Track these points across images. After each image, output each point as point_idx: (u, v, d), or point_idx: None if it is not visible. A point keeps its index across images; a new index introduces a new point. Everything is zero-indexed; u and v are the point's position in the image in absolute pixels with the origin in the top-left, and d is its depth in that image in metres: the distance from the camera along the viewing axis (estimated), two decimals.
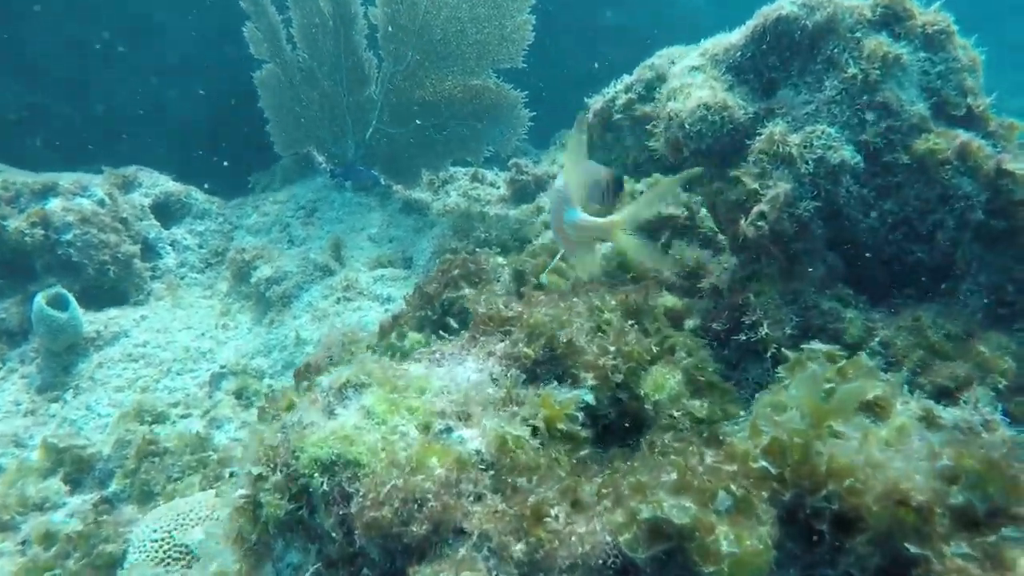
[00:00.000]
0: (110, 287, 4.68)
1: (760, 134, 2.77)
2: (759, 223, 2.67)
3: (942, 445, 1.21)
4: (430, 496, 1.37)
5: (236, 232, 5.40)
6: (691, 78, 2.90)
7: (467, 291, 3.25)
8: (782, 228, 2.66)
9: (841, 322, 2.65)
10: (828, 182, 2.70)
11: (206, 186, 6.09)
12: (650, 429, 1.90)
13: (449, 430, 1.56)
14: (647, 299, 2.16)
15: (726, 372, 2.70)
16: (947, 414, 1.67)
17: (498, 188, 5.80)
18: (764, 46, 2.91)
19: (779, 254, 2.75)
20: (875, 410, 1.63)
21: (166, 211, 5.40)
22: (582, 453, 1.71)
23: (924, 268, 2.84)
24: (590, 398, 1.68)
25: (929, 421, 1.66)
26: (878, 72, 2.74)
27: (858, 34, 2.83)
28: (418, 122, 5.70)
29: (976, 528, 1.16)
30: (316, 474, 1.41)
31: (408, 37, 5.43)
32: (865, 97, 2.74)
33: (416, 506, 1.35)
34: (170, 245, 5.23)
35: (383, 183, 5.90)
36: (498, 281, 3.56)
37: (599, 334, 2.04)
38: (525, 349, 1.95)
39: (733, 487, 1.20)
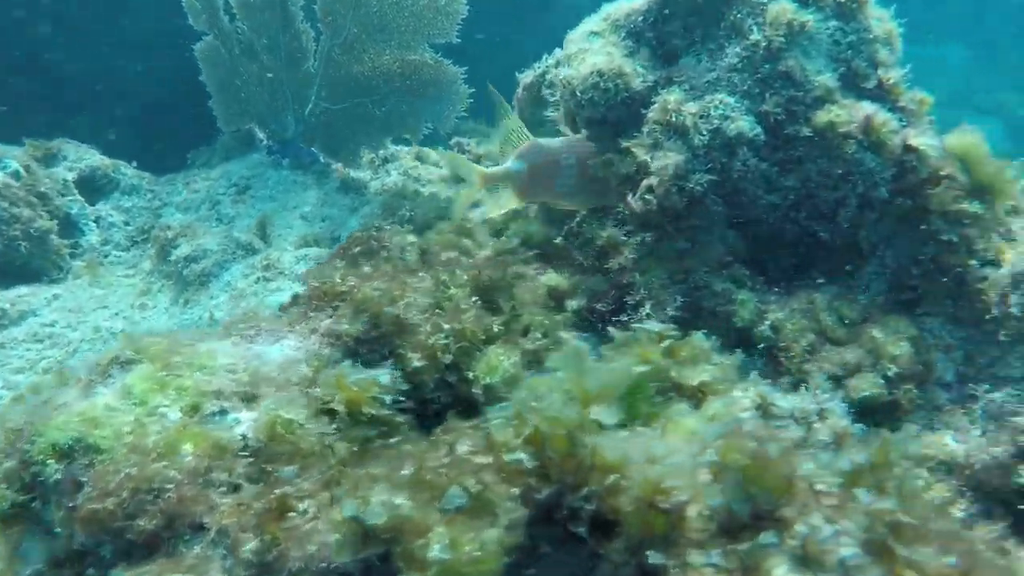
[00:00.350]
0: (22, 264, 4.51)
1: (656, 103, 2.61)
2: (647, 197, 2.51)
3: (715, 437, 1.05)
4: (170, 486, 1.22)
5: (165, 209, 5.24)
6: (588, 43, 2.74)
7: (367, 270, 3.10)
8: (671, 203, 2.50)
9: (732, 304, 2.50)
10: (724, 155, 2.54)
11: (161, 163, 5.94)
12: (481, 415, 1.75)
13: (224, 412, 1.42)
14: (505, 275, 2.00)
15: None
16: (784, 402, 1.52)
17: (441, 168, 5.62)
18: (667, 11, 2.75)
19: (672, 231, 2.60)
20: (699, 396, 1.48)
21: (92, 186, 5.22)
22: (392, 441, 1.56)
23: (828, 248, 2.69)
24: (386, 379, 1.53)
25: (764, 409, 1.52)
26: (782, 40, 2.58)
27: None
28: (357, 99, 5.52)
29: (744, 531, 1.01)
30: (51, 461, 1.27)
31: (345, 8, 5.24)
32: (767, 66, 2.58)
33: (149, 497, 1.20)
34: (94, 221, 5.06)
35: (322, 161, 5.73)
36: (403, 260, 3.41)
37: (437, 311, 1.89)
38: (346, 326, 1.80)
39: (471, 482, 1.05)
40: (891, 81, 2.70)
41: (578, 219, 3.04)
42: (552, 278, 2.55)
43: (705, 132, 2.51)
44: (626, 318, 2.43)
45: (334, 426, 1.50)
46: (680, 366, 1.51)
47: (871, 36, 2.74)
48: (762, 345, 2.40)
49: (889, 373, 2.30)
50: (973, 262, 2.60)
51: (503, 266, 2.04)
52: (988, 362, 2.57)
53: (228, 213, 5.13)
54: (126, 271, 4.85)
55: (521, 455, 1.10)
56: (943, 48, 14.36)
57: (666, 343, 1.54)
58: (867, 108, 2.56)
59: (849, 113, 2.54)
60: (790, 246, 2.72)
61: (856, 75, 2.71)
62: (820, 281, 2.67)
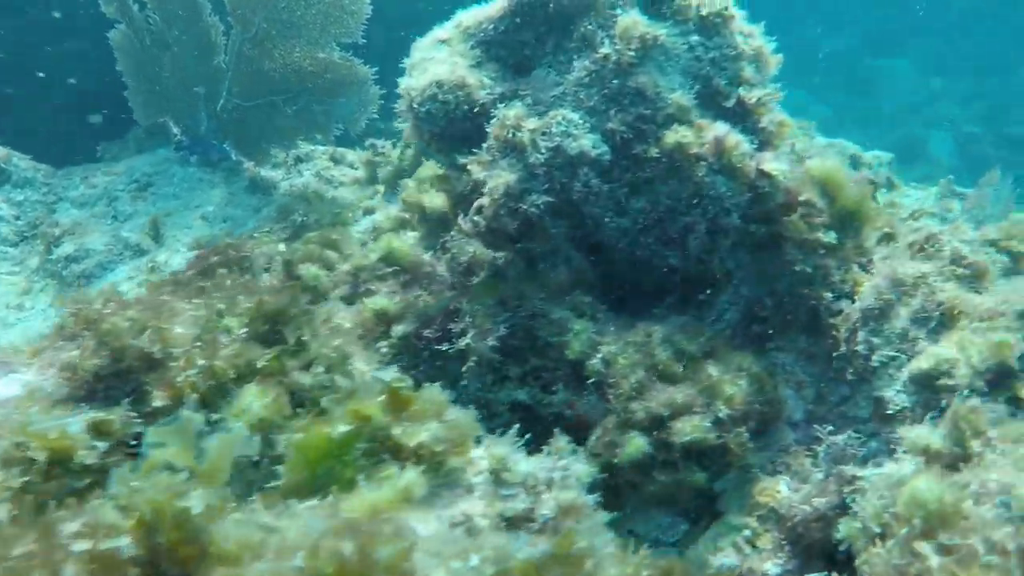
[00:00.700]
0: None
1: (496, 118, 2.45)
2: (476, 219, 2.36)
3: (317, 535, 0.89)
4: None
5: (60, 204, 5.03)
6: (435, 52, 2.58)
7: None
8: (500, 225, 2.35)
9: (566, 335, 2.35)
10: (565, 174, 2.39)
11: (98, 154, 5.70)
12: None
13: None
14: (293, 303, 1.84)
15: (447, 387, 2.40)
16: (524, 466, 1.37)
17: (356, 169, 5.45)
18: (519, 19, 2.59)
19: (512, 255, 2.45)
20: (424, 457, 1.33)
21: None
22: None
23: (682, 275, 2.55)
24: (78, 428, 1.37)
25: (497, 475, 1.37)
26: (633, 54, 2.43)
27: (618, 11, 2.52)
28: (269, 96, 5.34)
29: None
30: None
31: (253, 3, 5.06)
32: (616, 81, 2.43)
33: None
34: None
35: (234, 159, 5.54)
36: (267, 270, 3.24)
37: (198, 344, 1.72)
38: (86, 360, 1.63)
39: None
40: (752, 101, 2.56)
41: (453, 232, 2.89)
42: (379, 302, 2.39)
43: (544, 150, 2.36)
44: (446, 348, 2.28)
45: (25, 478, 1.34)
46: (403, 424, 1.36)
47: (735, 53, 2.60)
48: (592, 380, 2.25)
49: (721, 414, 2.16)
50: (828, 295, 2.48)
51: (290, 292, 1.87)
52: (838, 400, 2.45)
53: (126, 210, 4.93)
54: (11, 267, 4.64)
55: (122, 541, 0.95)
56: (895, 61, 14.36)
57: (386, 397, 1.38)
58: (719, 129, 2.42)
59: (698, 134, 2.39)
60: (642, 272, 2.58)
61: (717, 93, 2.57)
62: (667, 310, 2.54)
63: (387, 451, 1.33)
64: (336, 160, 5.57)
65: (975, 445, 1.76)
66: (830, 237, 2.44)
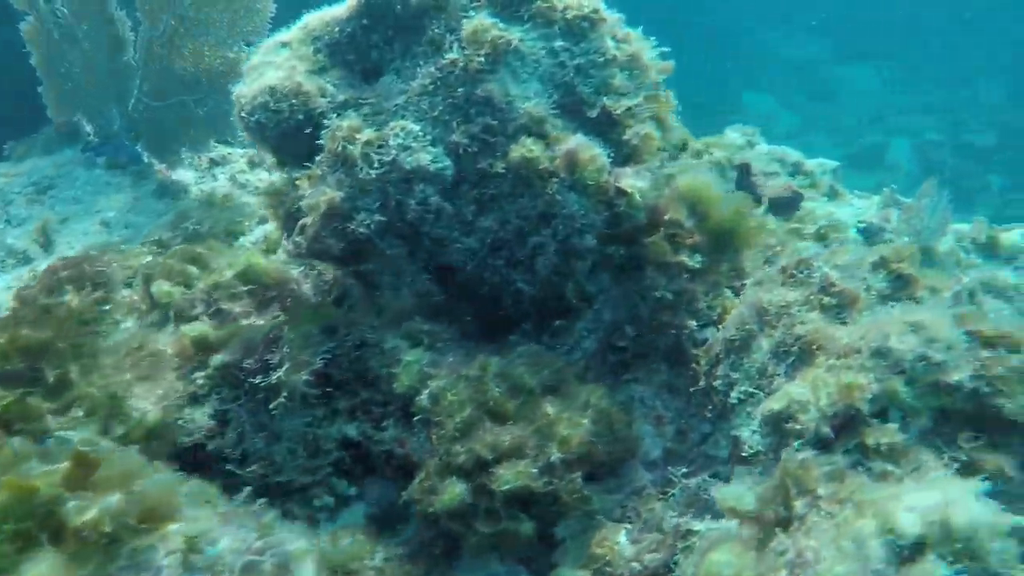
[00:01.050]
0: None
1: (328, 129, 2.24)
2: (297, 239, 2.15)
3: None
4: None
5: None
6: (274, 56, 2.37)
7: (70, 298, 2.70)
8: (324, 247, 2.14)
9: (397, 366, 2.14)
10: (400, 191, 2.19)
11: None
12: None
13: None
14: (61, 334, 1.63)
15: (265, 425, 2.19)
16: (225, 542, 1.16)
17: (271, 174, 5.22)
18: (367, 20, 2.38)
19: (345, 278, 2.24)
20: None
21: None
22: None
23: (531, 301, 2.35)
24: None
25: (185, 557, 1.16)
26: (482, 60, 2.22)
27: (472, 13, 2.31)
28: (179, 96, 5.10)
29: None
30: None
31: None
32: (463, 89, 2.23)
33: None
34: None
35: (145, 161, 5.29)
36: (129, 285, 3.01)
37: None
38: None
39: None
40: (619, 111, 2.36)
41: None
42: (197, 327, 2.18)
43: (378, 164, 2.15)
44: (258, 380, 2.07)
45: None
46: (80, 496, 1.16)
47: (604, 59, 2.40)
48: (418, 417, 2.05)
49: (552, 458, 1.96)
50: (692, 323, 2.28)
51: (56, 323, 1.66)
52: (700, 439, 2.25)
53: (20, 214, 4.69)
54: None
55: None
56: (860, 68, 14.28)
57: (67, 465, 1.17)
58: (571, 142, 2.22)
59: (547, 148, 2.19)
60: (494, 296, 2.38)
61: (582, 103, 2.37)
62: (522, 338, 2.34)
63: (48, 530, 1.12)
64: (254, 164, 5.34)
65: (799, 505, 1.57)
66: (695, 260, 2.25)
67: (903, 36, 14.83)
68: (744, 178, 4.38)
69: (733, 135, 6.94)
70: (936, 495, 1.39)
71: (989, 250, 5.82)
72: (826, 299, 2.08)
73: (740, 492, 1.52)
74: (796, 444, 1.80)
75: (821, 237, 4.48)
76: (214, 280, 2.79)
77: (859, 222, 5.97)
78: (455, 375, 2.08)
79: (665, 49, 2.89)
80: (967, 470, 2.16)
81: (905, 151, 12.13)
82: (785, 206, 4.34)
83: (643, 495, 2.14)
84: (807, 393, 1.85)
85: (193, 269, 3.00)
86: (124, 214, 4.64)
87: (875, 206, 6.51)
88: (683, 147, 4.79)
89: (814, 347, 1.96)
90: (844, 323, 2.07)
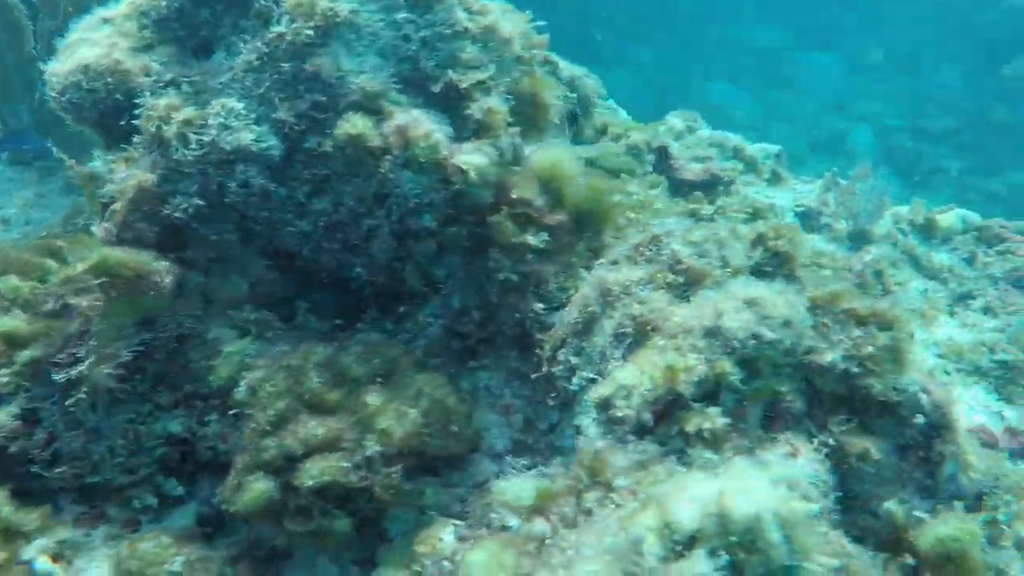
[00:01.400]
0: None
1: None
2: (107, 225, 2.02)
3: None
4: None
5: None
6: (94, 32, 2.23)
7: None
8: (136, 233, 2.01)
9: (216, 358, 2.01)
10: (221, 173, 2.05)
11: None
12: None
13: None
14: None
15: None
16: None
17: None
18: None
19: (179, 267, 2.11)
20: None
21: None
22: None
23: (372, 286, 2.22)
24: None
25: None
26: (311, 32, 2.08)
27: None
28: None
29: None
30: None
31: None
32: (289, 64, 2.09)
33: None
34: None
35: (55, 155, 5.12)
36: None
37: None
38: None
39: None
40: (465, 85, 2.23)
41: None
42: (7, 323, 2.04)
43: (196, 145, 2.01)
44: (62, 375, 1.94)
45: None
46: None
47: (454, 31, 2.27)
48: (233, 411, 1.92)
49: (372, 451, 1.83)
50: (539, 306, 2.16)
51: None
52: (548, 428, 2.14)
53: None
54: None
55: None
56: (821, 56, 14.20)
57: None
58: (403, 118, 2.09)
59: (377, 124, 2.06)
60: (335, 282, 2.25)
61: (426, 77, 2.23)
62: (368, 326, 2.21)
63: None
64: None
65: (591, 499, 1.45)
66: (540, 240, 2.12)
67: (862, 22, 14.77)
68: (662, 161, 4.27)
69: (674, 120, 6.83)
70: (719, 485, 1.27)
71: (926, 232, 5.74)
72: (671, 277, 1.96)
73: (520, 487, 1.40)
74: (618, 432, 1.68)
75: (748, 222, 4.37)
76: (65, 274, 2.65)
77: (797, 206, 5.88)
78: (277, 365, 1.95)
79: (541, 23, 2.77)
80: (836, 454, 2.06)
81: (866, 137, 12.06)
82: (701, 189, 4.22)
83: (484, 489, 2.02)
84: (634, 377, 1.73)
85: (51, 263, 2.86)
86: (26, 210, 4.47)
87: (817, 190, 6.42)
88: (603, 131, 4.68)
89: (649, 328, 1.84)
90: (689, 302, 1.96)
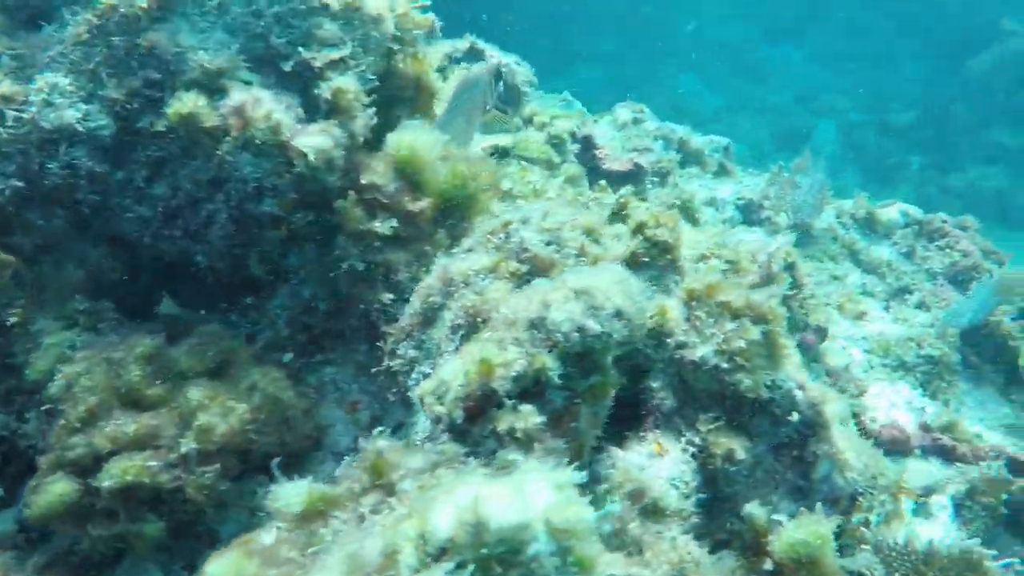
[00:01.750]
0: None
1: None
2: None
3: None
4: None
5: None
6: None
7: None
8: None
9: (37, 351, 1.90)
10: (43, 154, 1.93)
11: None
12: None
13: None
14: None
15: None
16: None
17: None
18: None
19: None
20: None
21: None
22: None
23: (215, 275, 2.11)
24: None
25: None
26: (146, 4, 1.97)
27: None
28: None
29: None
30: None
31: None
32: (122, 39, 1.97)
33: None
34: None
35: None
36: None
37: None
38: None
39: None
40: (318, 64, 2.12)
41: None
42: None
43: (15, 123, 1.90)
44: None
45: None
46: None
47: (309, 7, 2.16)
48: (44, 408, 1.81)
49: (189, 446, 1.72)
50: (388, 297, 2.06)
51: None
52: (395, 426, 2.04)
53: None
54: None
55: None
56: (786, 48, 14.15)
57: None
58: (245, 97, 1.98)
59: (213, 103, 1.95)
60: (181, 271, 2.14)
61: (278, 55, 2.12)
62: (218, 316, 2.10)
63: None
64: None
65: (367, 503, 1.35)
66: (387, 227, 2.02)
67: (827, 15, 14.73)
68: (586, 151, 4.17)
69: (621, 111, 6.75)
70: (476, 489, 1.17)
71: (868, 226, 5.68)
72: (515, 266, 1.86)
73: (294, 491, 1.29)
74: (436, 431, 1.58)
75: (671, 208, 4.28)
76: None
77: (738, 199, 5.80)
78: (98, 358, 1.84)
79: (425, 3, 2.67)
80: (702, 454, 1.97)
81: (830, 131, 12.01)
82: (623, 180, 4.13)
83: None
84: (452, 373, 1.63)
85: None
86: None
87: (762, 184, 6.35)
88: (530, 120, 4.58)
89: (479, 320, 1.74)
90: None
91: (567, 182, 3.63)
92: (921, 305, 4.89)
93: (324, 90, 2.10)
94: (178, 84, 1.99)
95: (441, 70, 4.61)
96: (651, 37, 13.40)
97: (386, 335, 1.98)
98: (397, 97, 2.65)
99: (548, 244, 1.92)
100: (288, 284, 2.11)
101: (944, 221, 5.64)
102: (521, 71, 4.76)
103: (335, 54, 2.16)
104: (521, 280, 1.87)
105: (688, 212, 4.36)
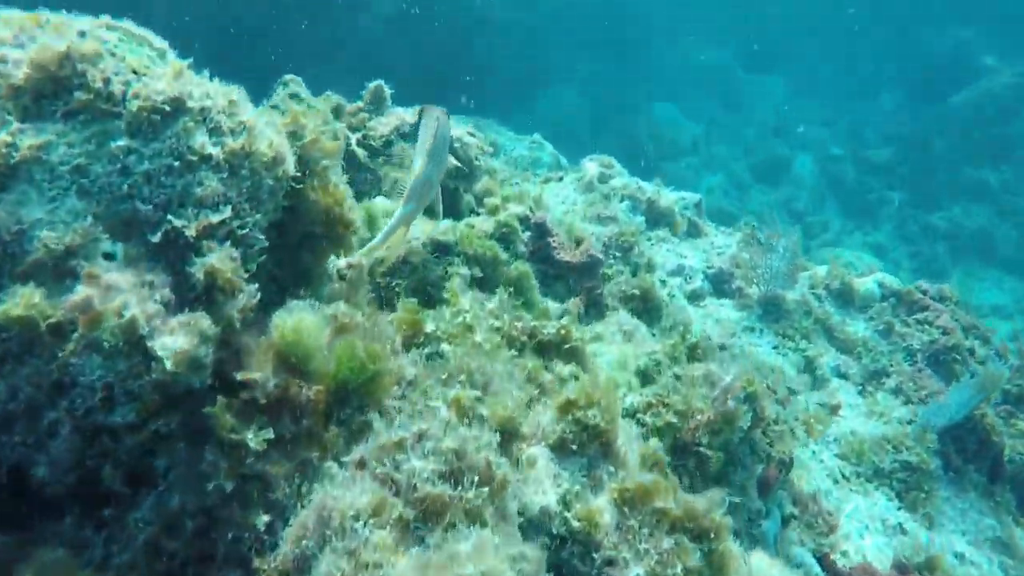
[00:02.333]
0: None
1: None
2: None
3: None
4: None
5: None
6: None
7: None
8: None
9: None
10: None
11: None
12: None
13: None
14: None
15: None
16: None
17: None
18: None
19: None
20: None
21: None
22: None
23: (65, 487, 1.79)
24: None
25: None
26: None
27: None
28: None
29: None
30: None
31: None
32: None
33: None
34: None
35: None
36: None
37: None
38: None
39: None
40: (192, 232, 1.82)
41: None
42: None
43: None
44: None
45: None
46: None
47: (186, 161, 1.88)
48: None
49: None
50: (264, 519, 1.76)
51: None
52: None
53: None
54: None
55: None
56: (766, 78, 13.92)
57: None
58: (93, 290, 1.67)
59: (51, 298, 1.64)
60: (25, 479, 1.82)
61: (145, 222, 1.82)
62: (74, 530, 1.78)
63: None
64: None
65: None
66: (259, 439, 1.72)
67: (805, 45, 14.52)
68: (540, 238, 3.87)
69: (590, 166, 6.47)
70: None
71: (843, 297, 5.43)
72: (401, 511, 1.57)
73: None
74: None
75: (630, 299, 4.01)
76: None
77: (707, 267, 5.54)
78: None
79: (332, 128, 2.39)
80: None
81: (808, 165, 11.78)
82: (583, 273, 3.84)
83: None
84: None
85: None
86: None
87: (734, 245, 6.10)
88: (482, 198, 4.28)
89: None
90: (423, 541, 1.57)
91: (511, 286, 3.34)
92: (898, 391, 4.63)
93: (197, 268, 1.79)
94: (19, 269, 1.68)
95: (388, 144, 4.32)
96: (628, 60, 13.13)
97: (258, 573, 1.68)
98: (308, 233, 2.37)
99: (444, 475, 1.63)
100: (155, 491, 1.79)
101: (924, 292, 5.39)
102: (473, 142, 4.46)
103: (213, 218, 1.85)
104: (408, 531, 1.58)
105: (647, 300, 4.07)
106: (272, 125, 2.12)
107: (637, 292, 4.05)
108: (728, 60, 14.40)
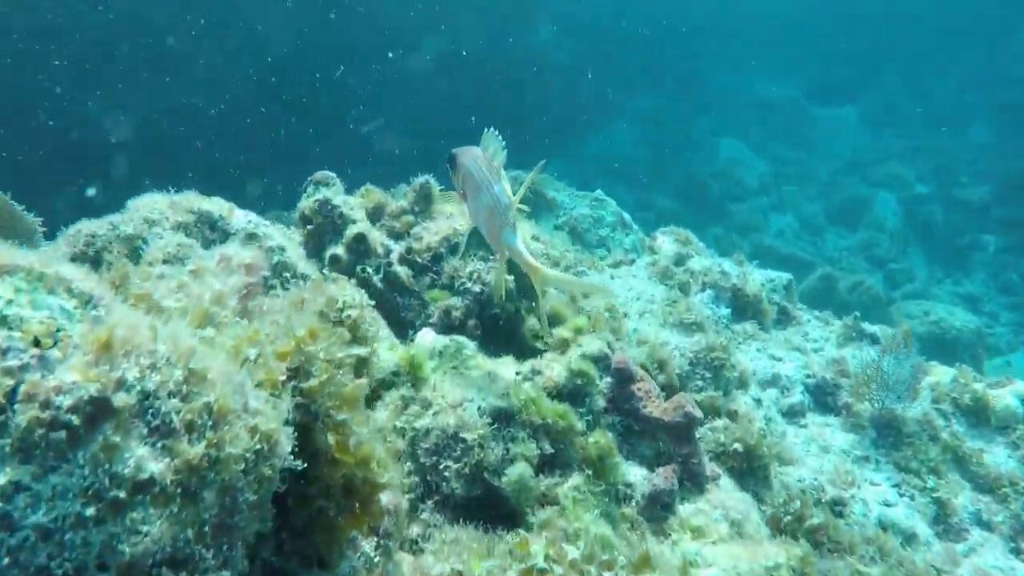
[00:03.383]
0: None
1: None
2: None
3: None
4: None
5: None
6: None
7: None
8: None
9: None
10: None
11: None
12: None
13: None
14: None
15: None
16: None
17: None
18: None
19: None
20: None
21: None
22: None
23: None
24: None
25: None
26: None
27: None
28: None
29: None
30: None
31: None
32: None
33: None
34: None
35: None
36: None
37: None
38: None
39: None
40: None
41: None
42: None
43: None
44: None
45: None
46: None
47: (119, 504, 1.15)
48: None
49: None
50: None
51: None
52: None
53: None
54: None
55: None
56: (841, 111, 12.89)
57: None
58: None
59: None
60: None
61: None
62: None
63: None
64: None
65: None
66: None
67: (882, 73, 13.46)
68: (622, 386, 3.11)
69: (664, 241, 5.71)
70: None
71: (977, 415, 4.54)
72: None
73: None
74: None
75: (731, 456, 3.23)
76: None
77: (807, 377, 4.71)
78: None
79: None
80: None
81: (891, 205, 10.75)
82: (676, 436, 3.06)
83: None
84: None
85: None
86: None
87: (833, 339, 5.25)
88: (551, 324, 3.52)
89: None
90: None
91: (589, 467, 2.64)
92: None
93: None
94: None
95: (437, 259, 3.60)
96: (689, 97, 12.26)
97: None
98: (321, 509, 1.69)
99: None
100: None
101: None
102: (539, 248, 3.72)
103: None
104: None
105: (752, 459, 3.28)
106: (258, 398, 1.41)
107: (740, 448, 3.26)
108: (795, 93, 13.42)
